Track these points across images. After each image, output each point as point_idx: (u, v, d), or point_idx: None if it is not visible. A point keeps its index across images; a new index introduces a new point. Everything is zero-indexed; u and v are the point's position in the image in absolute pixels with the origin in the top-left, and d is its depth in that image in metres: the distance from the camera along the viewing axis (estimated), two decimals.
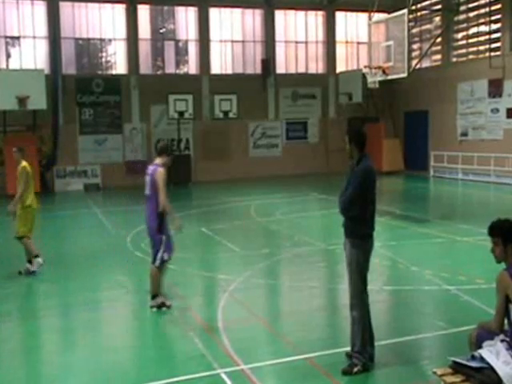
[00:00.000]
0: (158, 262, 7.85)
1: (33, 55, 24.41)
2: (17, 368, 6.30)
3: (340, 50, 28.95)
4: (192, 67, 26.98)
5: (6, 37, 24.10)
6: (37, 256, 10.06)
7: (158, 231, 7.75)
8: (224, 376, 5.65)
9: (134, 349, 6.81)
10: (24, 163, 10.07)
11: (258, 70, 27.48)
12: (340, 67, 28.70)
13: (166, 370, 5.92)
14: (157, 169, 7.72)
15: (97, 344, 6.91)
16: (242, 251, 11.46)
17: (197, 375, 5.70)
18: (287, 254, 11.35)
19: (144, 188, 7.99)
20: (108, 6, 25.40)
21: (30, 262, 10.05)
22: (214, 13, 26.80)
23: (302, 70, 28.50)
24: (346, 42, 29.11)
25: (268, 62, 27.33)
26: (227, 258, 11.15)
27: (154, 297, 7.91)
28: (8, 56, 24.26)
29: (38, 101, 21.17)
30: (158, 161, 7.85)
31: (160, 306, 7.88)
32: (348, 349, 5.93)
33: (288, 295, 9.07)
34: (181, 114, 24.48)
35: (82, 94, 24.96)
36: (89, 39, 25.45)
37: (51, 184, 24.25)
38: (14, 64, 24.13)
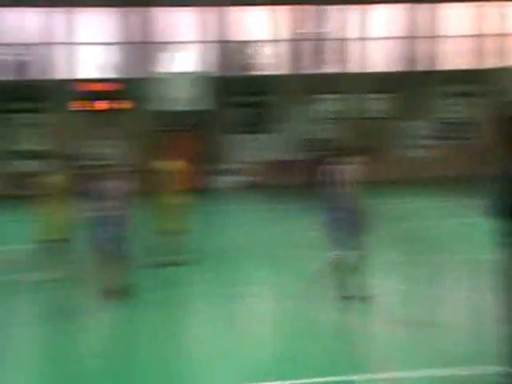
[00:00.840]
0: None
1: (193, 58, 25.64)
2: (170, 352, 6.62)
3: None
4: (343, 65, 26.50)
5: (169, 42, 25.59)
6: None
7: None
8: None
9: (280, 344, 6.89)
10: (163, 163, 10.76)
11: (420, 67, 26.22)
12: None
13: (311, 369, 5.89)
14: None
15: (228, 339, 7.05)
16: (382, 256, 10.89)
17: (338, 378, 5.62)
18: (434, 261, 10.84)
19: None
20: None
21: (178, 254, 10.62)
22: None
23: (457, 66, 26.65)
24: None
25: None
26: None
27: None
28: (169, 60, 25.71)
29: (196, 102, 22.46)
30: None
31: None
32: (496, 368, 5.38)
33: (429, 303, 8.63)
34: (329, 113, 24.17)
35: (233, 94, 25.55)
36: (243, 41, 26.07)
37: (206, 182, 25.36)
38: (175, 67, 25.54)
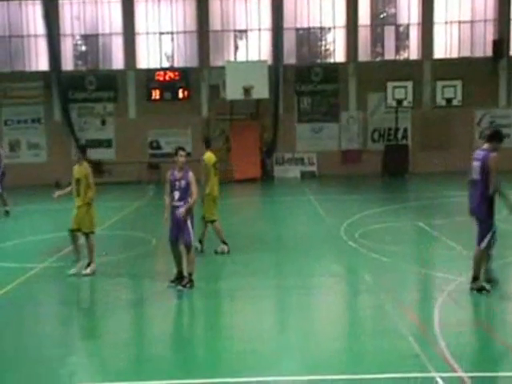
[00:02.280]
0: (483, 245, 7.92)
1: (258, 47, 25.67)
2: (234, 341, 6.53)
3: None
4: (413, 52, 25.77)
5: (235, 30, 25.70)
6: (224, 243, 10.60)
7: (488, 215, 7.86)
8: (440, 380, 5.26)
9: (343, 339, 6.75)
10: (206, 154, 10.53)
11: (489, 53, 25.14)
12: None
13: (377, 366, 5.71)
14: (488, 154, 7.79)
15: (308, 329, 6.95)
16: (463, 250, 10.47)
17: (410, 375, 5.43)
18: None
19: (470, 174, 8.09)
20: None
21: (224, 242, 10.62)
22: None
23: None
24: None
25: (501, 42, 24.85)
26: (446, 256, 10.36)
27: (475, 279, 7.92)
28: (236, 48, 25.90)
29: (261, 90, 22.22)
30: (487, 146, 7.90)
31: (480, 289, 7.84)
32: None
33: None
34: (399, 101, 23.63)
35: (301, 82, 25.52)
36: (309, 28, 25.86)
37: (271, 170, 25.33)
38: (240, 56, 25.66)
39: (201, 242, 10.58)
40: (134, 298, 8.49)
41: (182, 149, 8.47)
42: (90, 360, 6.15)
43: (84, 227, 9.29)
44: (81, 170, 9.31)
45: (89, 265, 9.32)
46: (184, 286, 8.31)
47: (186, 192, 8.25)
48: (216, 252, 10.59)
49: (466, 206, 8.58)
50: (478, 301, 7.83)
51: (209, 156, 10.52)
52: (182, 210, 8.16)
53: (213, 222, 10.57)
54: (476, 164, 7.93)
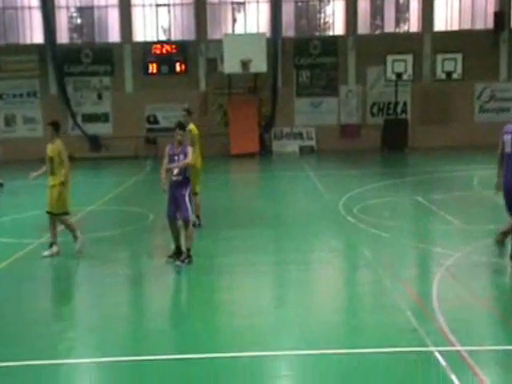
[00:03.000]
0: None
1: (256, 19, 25.32)
2: (233, 316, 6.55)
3: None
4: (413, 25, 25.45)
5: (233, 2, 25.31)
6: (197, 217, 10.47)
7: None
8: (437, 355, 5.27)
9: (342, 313, 6.76)
10: (191, 125, 10.26)
11: (490, 25, 24.80)
12: None
13: (375, 340, 5.74)
14: None
15: (307, 303, 6.99)
16: (462, 225, 10.52)
17: (408, 349, 5.49)
18: None
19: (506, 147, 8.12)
20: None
21: (197, 217, 10.49)
22: None
23: None
24: None
25: (502, 14, 24.48)
26: (445, 231, 10.37)
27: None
28: (234, 21, 25.54)
29: (260, 64, 21.97)
30: None
31: None
32: None
33: None
34: (399, 75, 23.38)
35: (299, 56, 25.24)
36: (308, 0, 25.47)
37: (269, 145, 25.20)
38: (238, 29, 25.32)
39: (198, 216, 10.51)
40: (131, 273, 8.48)
41: (180, 127, 8.36)
42: (88, 335, 6.14)
43: (57, 208, 8.89)
44: (53, 147, 8.94)
45: (75, 240, 9.03)
46: (182, 262, 8.29)
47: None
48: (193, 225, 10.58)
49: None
50: (477, 275, 7.82)
51: (193, 127, 10.40)
52: (175, 165, 8.18)
53: (195, 194, 10.50)
54: (508, 137, 7.96)
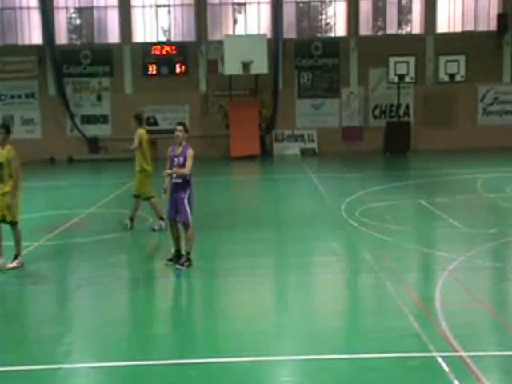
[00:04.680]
0: None
1: (257, 20, 25.18)
2: (233, 320, 6.48)
3: None
4: (415, 26, 25.28)
5: (233, 3, 25.16)
6: (161, 218, 10.49)
7: None
8: (440, 360, 5.19)
9: (343, 318, 6.69)
10: (140, 130, 10.58)
11: (493, 27, 24.63)
12: None
13: (377, 345, 5.65)
14: None
15: (307, 307, 6.92)
16: (465, 228, 10.38)
17: (410, 354, 5.41)
18: None
19: None
20: None
21: (161, 218, 10.50)
22: None
23: None
24: None
25: (505, 16, 24.33)
26: (448, 235, 10.21)
27: None
28: (234, 22, 25.39)
29: (261, 65, 21.87)
30: None
31: None
32: None
33: None
34: (401, 77, 23.20)
35: (301, 57, 25.09)
36: (309, 1, 25.33)
37: (270, 147, 25.03)
38: (239, 30, 25.18)
39: (162, 218, 10.49)
40: (131, 276, 8.41)
41: (180, 124, 8.32)
42: (86, 340, 6.05)
43: (8, 216, 8.29)
44: (2, 153, 8.26)
45: (16, 257, 8.42)
46: (182, 265, 8.21)
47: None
48: (154, 229, 10.57)
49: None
50: (480, 280, 7.76)
51: (142, 132, 10.60)
52: (174, 170, 8.10)
53: (149, 198, 10.64)
54: None
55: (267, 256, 9.22)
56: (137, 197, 10.73)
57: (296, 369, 5.29)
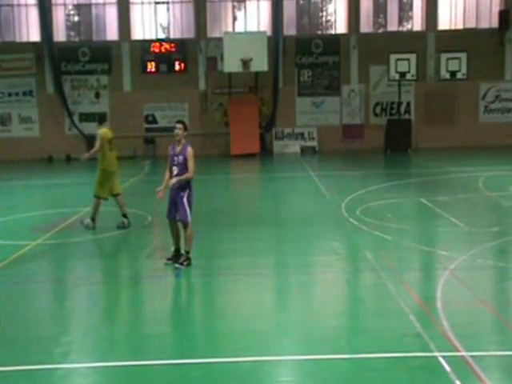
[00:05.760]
0: None
1: (256, 17, 25.06)
2: (232, 320, 6.44)
3: None
4: (417, 23, 25.16)
5: (233, 0, 25.03)
6: (125, 216, 10.61)
7: None
8: (441, 360, 5.15)
9: (344, 317, 6.63)
10: (102, 129, 10.63)
11: (495, 24, 24.51)
12: None
13: (378, 345, 5.60)
14: None
15: (308, 306, 6.89)
16: (466, 227, 10.30)
17: (411, 354, 5.37)
18: None
19: None
20: None
21: (125, 216, 10.62)
22: None
23: None
24: None
25: (507, 13, 24.22)
26: (449, 234, 10.12)
27: None
28: (234, 19, 25.27)
29: (260, 63, 21.77)
30: None
31: None
32: None
33: None
34: (402, 74, 23.09)
35: (301, 55, 24.97)
36: None
37: (270, 146, 24.91)
38: (239, 27, 25.06)
39: (125, 215, 10.59)
40: (130, 275, 8.35)
41: (179, 121, 8.27)
42: (84, 339, 5.97)
43: None
44: None
45: None
46: (181, 264, 8.13)
47: (183, 168, 8.06)
48: (118, 227, 10.54)
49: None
50: (482, 279, 7.70)
51: (104, 131, 10.64)
52: (174, 180, 7.99)
53: (104, 199, 10.67)
54: None
55: (267, 255, 9.15)
56: (97, 197, 10.70)
57: (296, 369, 5.25)
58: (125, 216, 10.61)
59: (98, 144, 10.46)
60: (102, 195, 10.61)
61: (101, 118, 11.31)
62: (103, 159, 10.51)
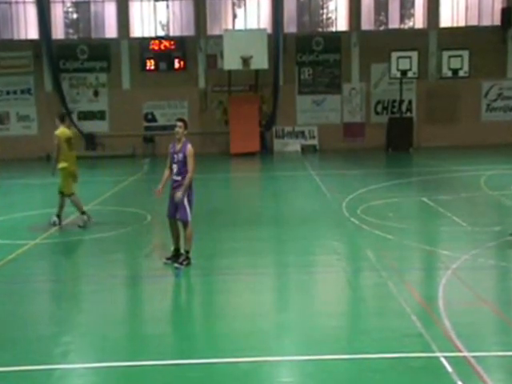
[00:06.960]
0: None
1: (256, 15, 24.97)
2: (232, 320, 6.39)
3: None
4: (418, 21, 25.08)
5: None
6: (83, 213, 10.69)
7: None
8: (443, 360, 5.11)
9: (345, 318, 6.61)
10: (60, 129, 10.63)
11: (497, 21, 24.42)
12: None
13: (379, 345, 5.56)
14: None
15: (309, 307, 6.85)
16: (468, 226, 10.22)
17: (413, 354, 5.34)
18: None
19: None
20: None
21: (83, 213, 10.72)
22: None
23: None
24: None
25: (509, 11, 24.14)
26: (451, 233, 10.06)
27: None
28: (234, 16, 25.16)
29: (261, 60, 21.66)
30: None
31: None
32: None
33: None
34: (404, 72, 22.99)
35: (302, 52, 24.87)
36: None
37: (270, 144, 24.80)
38: (239, 24, 24.95)
39: (59, 216, 10.64)
40: (129, 275, 8.28)
41: (180, 119, 8.19)
42: (84, 339, 5.91)
43: None
44: None
45: None
46: (181, 264, 8.06)
47: (183, 166, 7.97)
48: (80, 226, 10.54)
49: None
50: (484, 279, 7.64)
51: (62, 131, 10.64)
52: (178, 194, 7.88)
53: (70, 195, 10.71)
54: None
55: (267, 254, 9.08)
56: (61, 194, 10.73)
57: (297, 369, 5.21)
58: (83, 213, 10.65)
59: (55, 143, 10.47)
60: (70, 191, 10.70)
61: (61, 117, 11.06)
62: (63, 159, 10.52)
